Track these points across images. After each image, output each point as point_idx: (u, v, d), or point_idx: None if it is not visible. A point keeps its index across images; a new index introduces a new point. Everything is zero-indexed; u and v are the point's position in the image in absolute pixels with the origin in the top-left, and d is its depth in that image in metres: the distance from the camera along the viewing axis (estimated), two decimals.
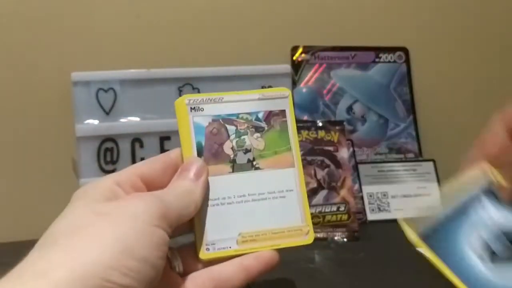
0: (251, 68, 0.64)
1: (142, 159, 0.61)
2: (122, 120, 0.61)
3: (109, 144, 0.60)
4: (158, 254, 0.26)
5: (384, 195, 0.69)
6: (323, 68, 0.75)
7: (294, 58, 0.74)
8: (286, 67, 0.66)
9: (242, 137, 0.34)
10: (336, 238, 0.59)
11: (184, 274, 0.31)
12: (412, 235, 0.33)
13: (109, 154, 0.60)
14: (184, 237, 0.33)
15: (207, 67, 0.63)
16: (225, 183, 0.33)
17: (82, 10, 0.67)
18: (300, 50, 0.74)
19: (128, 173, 0.30)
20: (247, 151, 0.34)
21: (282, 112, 0.35)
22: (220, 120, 0.34)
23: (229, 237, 0.32)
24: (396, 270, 0.48)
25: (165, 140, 0.61)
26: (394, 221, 0.65)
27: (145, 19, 0.69)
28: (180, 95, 0.62)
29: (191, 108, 0.33)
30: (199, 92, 0.62)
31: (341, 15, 0.76)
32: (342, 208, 0.60)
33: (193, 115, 0.33)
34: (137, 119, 0.61)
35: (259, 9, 0.73)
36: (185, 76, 0.63)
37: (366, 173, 0.70)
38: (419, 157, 0.76)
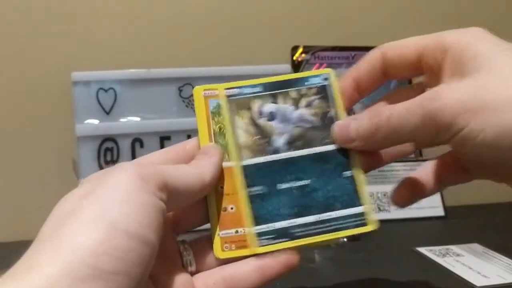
0: (251, 68, 0.64)
1: None
2: (122, 120, 0.61)
3: (109, 144, 0.60)
4: (147, 222, 0.23)
5: (384, 195, 0.69)
6: (323, 68, 0.75)
7: (294, 58, 0.74)
8: (286, 67, 0.66)
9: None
10: None
11: (195, 272, 0.29)
12: None
13: (109, 154, 0.60)
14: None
15: (207, 67, 0.63)
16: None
17: (82, 10, 0.67)
18: (300, 50, 0.74)
19: (134, 163, 0.28)
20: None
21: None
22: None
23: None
24: (396, 270, 0.48)
25: (165, 140, 0.61)
26: (394, 221, 0.66)
27: (145, 19, 0.69)
28: (180, 95, 0.62)
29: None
30: None
31: (341, 15, 0.76)
32: None
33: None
34: (137, 119, 0.61)
35: (259, 9, 0.73)
36: (185, 76, 0.63)
37: (366, 173, 0.70)
38: (419, 157, 0.76)
